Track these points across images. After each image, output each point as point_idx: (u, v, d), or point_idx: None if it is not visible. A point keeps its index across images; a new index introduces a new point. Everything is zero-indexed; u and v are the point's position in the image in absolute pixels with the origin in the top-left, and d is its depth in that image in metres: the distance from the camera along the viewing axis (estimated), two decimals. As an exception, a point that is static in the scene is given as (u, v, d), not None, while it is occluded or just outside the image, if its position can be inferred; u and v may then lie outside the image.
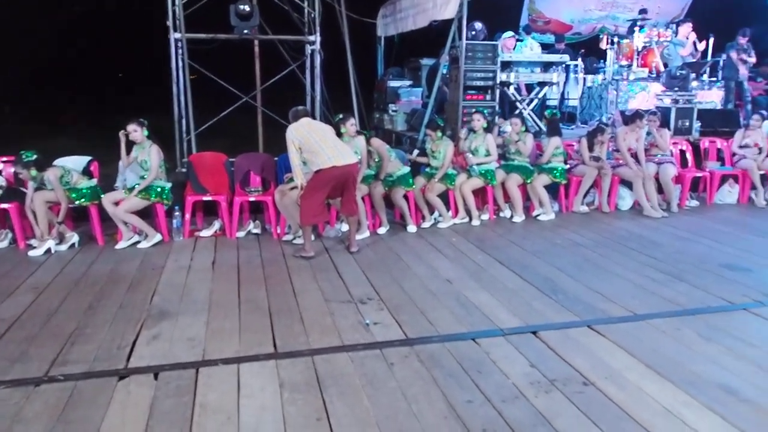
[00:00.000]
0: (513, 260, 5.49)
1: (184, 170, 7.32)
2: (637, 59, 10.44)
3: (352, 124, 6.34)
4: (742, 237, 6.34)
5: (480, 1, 11.43)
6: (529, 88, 9.22)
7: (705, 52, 10.02)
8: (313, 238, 6.11)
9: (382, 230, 6.48)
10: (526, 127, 7.08)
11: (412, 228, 6.46)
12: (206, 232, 6.40)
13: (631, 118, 7.35)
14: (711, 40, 10.00)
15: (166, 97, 8.07)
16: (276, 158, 6.91)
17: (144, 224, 6.00)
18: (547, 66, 8.52)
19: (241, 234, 6.39)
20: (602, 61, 10.28)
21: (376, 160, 6.51)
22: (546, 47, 10.72)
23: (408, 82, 9.55)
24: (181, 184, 6.61)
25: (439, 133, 6.71)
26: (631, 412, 3.02)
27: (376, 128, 10.08)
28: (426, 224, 6.68)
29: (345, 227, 6.42)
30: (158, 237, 6.03)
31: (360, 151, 6.28)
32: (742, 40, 9.82)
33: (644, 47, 10.32)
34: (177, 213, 6.21)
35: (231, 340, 3.88)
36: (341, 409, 3.05)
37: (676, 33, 10.27)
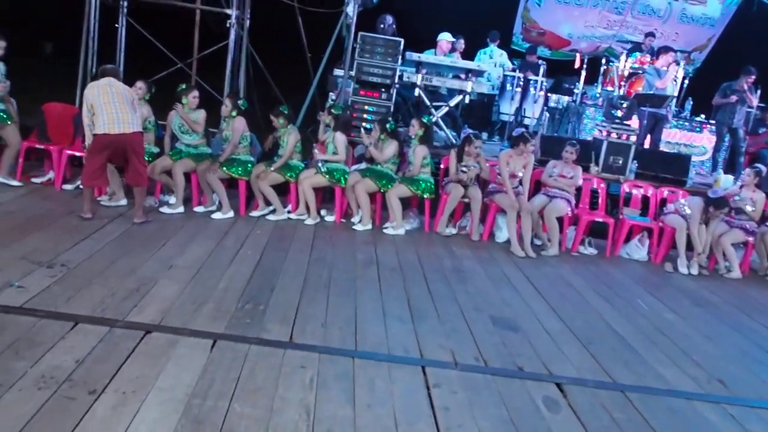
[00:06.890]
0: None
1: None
2: (625, 86, 9.35)
3: (194, 97, 6.20)
4: (576, 298, 5.21)
5: (473, 2, 10.79)
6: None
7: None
8: (125, 202, 6.01)
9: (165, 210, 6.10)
10: (389, 133, 6.44)
11: (183, 208, 6.11)
12: (39, 179, 6.47)
13: (516, 141, 6.52)
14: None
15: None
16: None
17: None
18: (467, 73, 7.69)
19: (68, 187, 6.36)
20: (576, 83, 9.30)
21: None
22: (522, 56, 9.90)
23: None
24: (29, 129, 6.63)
25: (282, 120, 6.31)
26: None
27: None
28: (255, 213, 6.31)
29: (172, 200, 6.23)
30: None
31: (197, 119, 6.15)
32: (750, 80, 8.48)
33: (631, 74, 9.20)
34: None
35: None
36: None
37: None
